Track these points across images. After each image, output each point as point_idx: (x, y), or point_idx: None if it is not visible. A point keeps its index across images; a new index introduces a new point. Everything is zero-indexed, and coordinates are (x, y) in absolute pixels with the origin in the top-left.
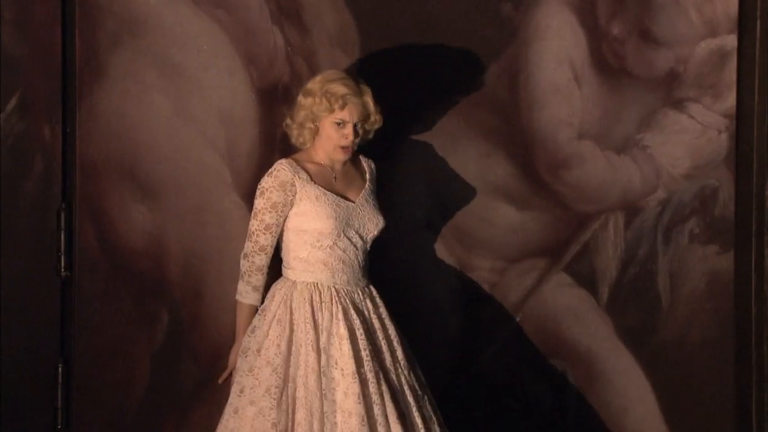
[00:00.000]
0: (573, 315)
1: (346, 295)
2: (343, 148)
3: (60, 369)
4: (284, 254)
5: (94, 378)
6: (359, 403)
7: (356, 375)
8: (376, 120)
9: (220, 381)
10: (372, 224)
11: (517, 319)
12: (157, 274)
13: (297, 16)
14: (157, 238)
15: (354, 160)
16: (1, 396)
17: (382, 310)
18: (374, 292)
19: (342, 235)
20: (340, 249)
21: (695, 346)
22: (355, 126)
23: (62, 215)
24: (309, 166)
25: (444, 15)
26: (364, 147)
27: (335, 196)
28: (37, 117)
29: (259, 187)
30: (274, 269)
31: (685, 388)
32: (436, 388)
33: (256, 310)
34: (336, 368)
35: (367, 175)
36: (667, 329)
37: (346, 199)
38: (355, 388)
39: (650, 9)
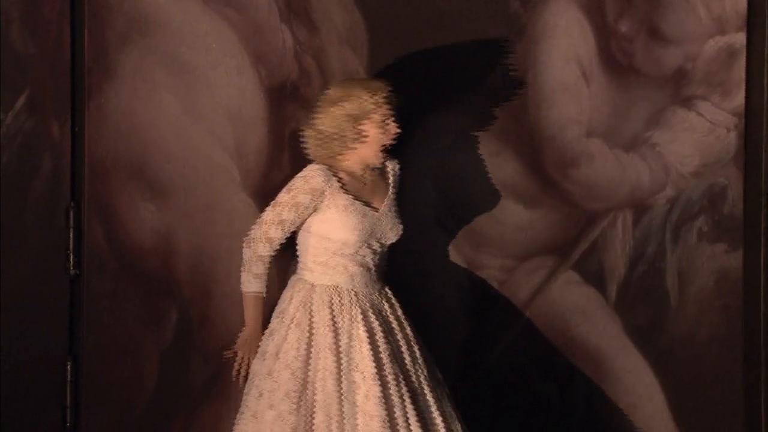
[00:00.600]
0: (581, 313)
1: (365, 297)
2: (384, 147)
3: (69, 367)
4: (302, 255)
5: (103, 376)
6: (381, 405)
7: (377, 377)
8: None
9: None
10: (393, 232)
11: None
12: (165, 272)
13: (306, 15)
14: (165, 237)
15: None
16: (9, 394)
17: (399, 310)
18: (389, 293)
19: (364, 245)
20: (360, 256)
21: (704, 344)
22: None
23: (71, 213)
24: (341, 173)
25: (452, 13)
26: None
27: (362, 205)
28: (45, 115)
29: (289, 183)
30: (282, 260)
31: (693, 385)
32: None
33: (263, 297)
34: (357, 371)
35: (391, 179)
36: (676, 327)
37: (371, 207)
38: (376, 390)
39: (659, 6)
